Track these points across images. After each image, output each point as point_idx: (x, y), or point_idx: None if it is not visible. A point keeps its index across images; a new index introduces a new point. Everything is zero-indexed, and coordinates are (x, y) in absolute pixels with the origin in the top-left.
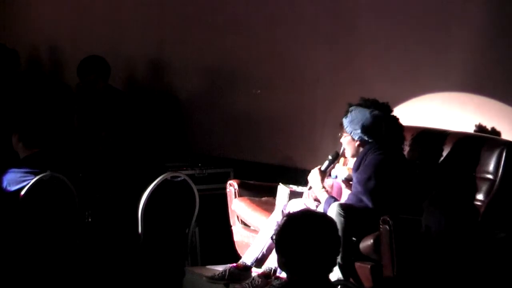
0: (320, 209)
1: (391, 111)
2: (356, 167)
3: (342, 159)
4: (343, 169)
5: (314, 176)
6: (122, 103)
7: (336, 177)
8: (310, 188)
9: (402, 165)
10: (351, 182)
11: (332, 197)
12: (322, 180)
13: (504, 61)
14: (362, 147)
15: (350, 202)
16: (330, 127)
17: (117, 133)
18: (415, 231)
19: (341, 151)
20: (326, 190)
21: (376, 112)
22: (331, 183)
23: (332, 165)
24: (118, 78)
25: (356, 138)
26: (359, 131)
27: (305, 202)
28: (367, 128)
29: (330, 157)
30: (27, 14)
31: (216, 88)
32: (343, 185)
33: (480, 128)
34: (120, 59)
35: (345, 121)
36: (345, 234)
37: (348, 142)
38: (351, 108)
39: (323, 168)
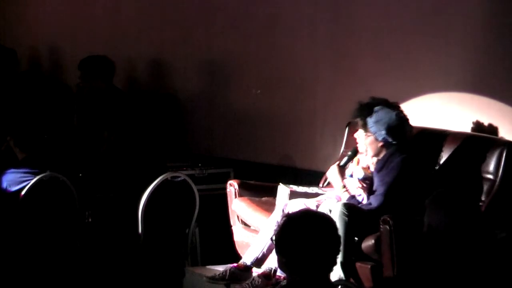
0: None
1: (402, 111)
2: (379, 168)
3: (355, 159)
4: (358, 168)
5: (333, 172)
6: (123, 103)
7: (351, 175)
8: (329, 183)
9: (423, 168)
10: (367, 181)
11: (353, 196)
12: (342, 175)
13: (504, 61)
14: (385, 148)
15: (374, 202)
16: (330, 127)
17: (119, 133)
18: (415, 231)
19: (348, 149)
20: (347, 189)
21: (402, 113)
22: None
23: (350, 161)
24: (118, 78)
25: (380, 139)
26: (383, 132)
27: (305, 202)
28: (392, 129)
29: (349, 153)
30: (27, 14)
31: (216, 88)
32: (357, 184)
33: (480, 128)
34: (120, 59)
35: (370, 121)
36: (347, 233)
37: (371, 142)
38: (376, 108)
39: (342, 163)
